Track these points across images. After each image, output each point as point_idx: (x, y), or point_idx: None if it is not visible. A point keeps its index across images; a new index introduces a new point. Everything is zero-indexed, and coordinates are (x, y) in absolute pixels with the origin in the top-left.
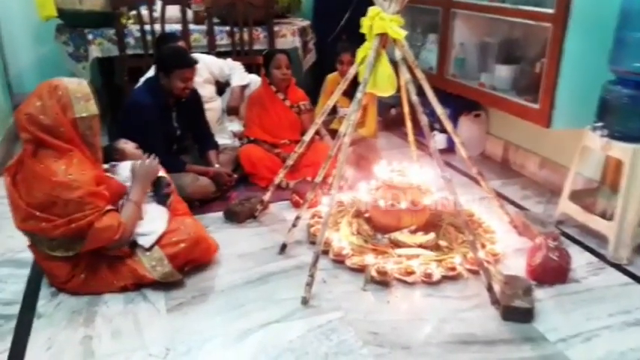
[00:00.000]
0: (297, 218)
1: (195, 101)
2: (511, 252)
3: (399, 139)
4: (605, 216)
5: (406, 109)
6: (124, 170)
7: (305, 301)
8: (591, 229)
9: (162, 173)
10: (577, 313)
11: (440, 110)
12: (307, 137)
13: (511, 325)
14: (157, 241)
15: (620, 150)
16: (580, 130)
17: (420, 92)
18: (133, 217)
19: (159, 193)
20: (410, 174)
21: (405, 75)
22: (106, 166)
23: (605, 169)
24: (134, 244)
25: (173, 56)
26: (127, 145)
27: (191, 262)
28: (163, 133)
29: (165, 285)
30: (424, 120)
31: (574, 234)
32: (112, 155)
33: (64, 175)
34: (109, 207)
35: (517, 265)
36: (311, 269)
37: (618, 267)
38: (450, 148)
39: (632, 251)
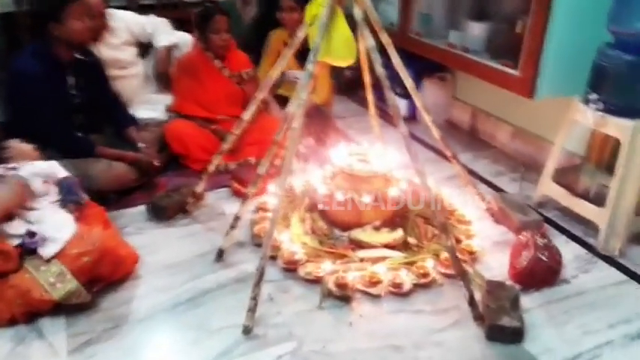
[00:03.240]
0: (237, 219)
1: (94, 64)
2: (488, 246)
3: (355, 104)
4: (589, 196)
5: (367, 79)
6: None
7: (247, 331)
8: (576, 213)
9: (64, 172)
10: (572, 325)
11: (409, 83)
12: (247, 116)
13: (498, 347)
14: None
15: (618, 127)
16: (563, 99)
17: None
18: None
19: (64, 197)
20: (372, 158)
21: (368, 40)
22: None
23: (591, 143)
24: (28, 254)
25: None
26: (22, 145)
27: (100, 280)
28: (58, 105)
29: (67, 313)
30: (393, 101)
31: (556, 219)
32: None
33: None
34: None
35: (497, 263)
36: (254, 290)
37: (610, 260)
38: (411, 116)
39: (624, 241)
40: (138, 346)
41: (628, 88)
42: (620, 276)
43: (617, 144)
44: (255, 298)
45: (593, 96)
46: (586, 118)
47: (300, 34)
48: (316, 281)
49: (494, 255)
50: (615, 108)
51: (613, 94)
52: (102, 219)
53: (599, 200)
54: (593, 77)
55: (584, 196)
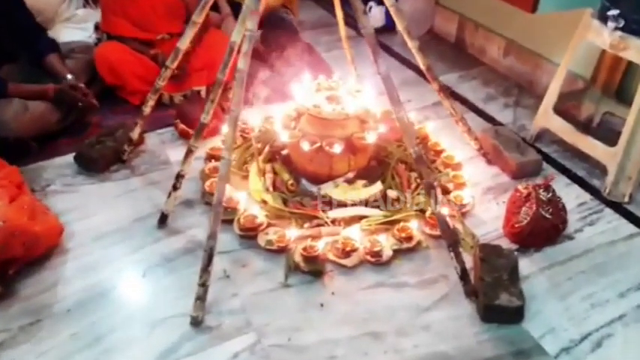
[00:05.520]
0: (180, 177)
1: None
2: (480, 193)
3: (323, 10)
4: (591, 124)
5: None
6: None
7: (196, 323)
8: (578, 149)
9: None
10: (578, 296)
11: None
12: (183, 44)
13: (494, 330)
14: None
15: None
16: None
17: None
18: None
19: None
20: (344, 95)
21: None
22: None
23: (599, 64)
24: None
25: None
26: None
27: (14, 262)
28: None
29: None
30: (368, 30)
31: (556, 155)
32: None
33: None
34: None
35: (489, 215)
36: (202, 275)
37: (617, 207)
38: (389, 26)
39: (635, 186)
40: (64, 347)
41: None
42: (631, 228)
43: (630, 67)
44: (204, 285)
45: (613, 11)
46: (601, 39)
47: None
48: (280, 251)
49: (486, 205)
50: (638, 27)
51: (636, 10)
52: (12, 182)
53: (603, 131)
54: None
55: (587, 124)
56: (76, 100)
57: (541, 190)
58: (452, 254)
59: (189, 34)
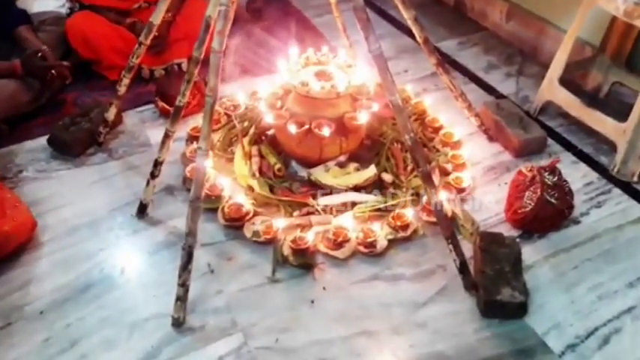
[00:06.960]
0: (158, 164)
1: None
2: (480, 173)
3: None
4: (599, 95)
5: None
6: None
7: (178, 324)
8: (585, 125)
9: None
10: (583, 286)
11: None
12: (156, 19)
13: (495, 326)
14: None
15: None
16: None
17: None
18: None
19: None
20: (334, 69)
21: None
22: None
23: (609, 31)
24: None
25: None
26: None
27: None
28: None
29: None
30: (359, 4)
31: (561, 130)
32: None
33: None
34: None
35: (490, 198)
36: (182, 274)
37: (626, 187)
38: None
39: None
40: (37, 353)
41: None
42: None
43: None
44: (184, 284)
45: None
46: (614, 5)
47: None
48: (268, 243)
49: (487, 186)
50: None
51: None
52: None
53: (611, 102)
54: None
55: (594, 95)
56: (44, 68)
57: (546, 174)
58: (450, 247)
59: (162, 8)
